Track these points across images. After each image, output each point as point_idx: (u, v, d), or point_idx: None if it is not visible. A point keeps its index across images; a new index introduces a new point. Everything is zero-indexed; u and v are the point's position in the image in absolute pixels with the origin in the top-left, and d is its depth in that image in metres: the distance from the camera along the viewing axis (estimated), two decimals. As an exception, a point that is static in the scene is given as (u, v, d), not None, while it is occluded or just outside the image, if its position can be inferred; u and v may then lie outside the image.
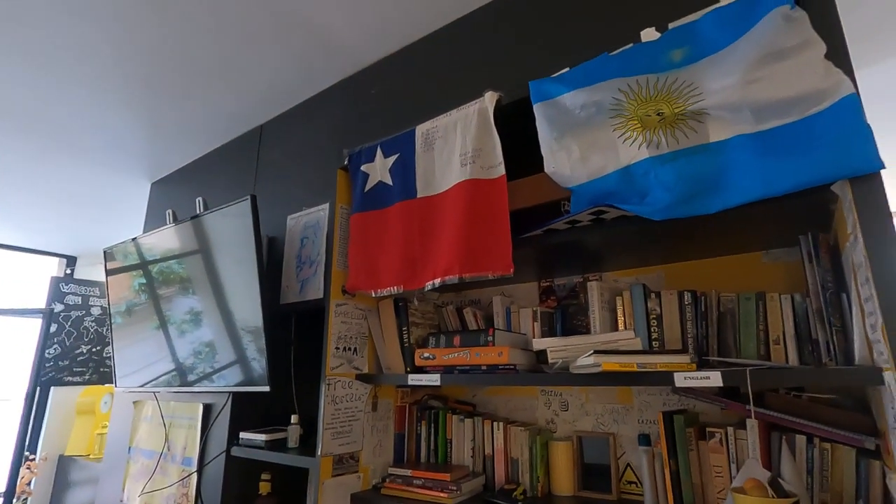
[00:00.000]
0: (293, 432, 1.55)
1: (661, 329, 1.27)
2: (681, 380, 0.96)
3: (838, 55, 0.81)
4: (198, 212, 1.72)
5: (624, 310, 1.35)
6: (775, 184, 0.82)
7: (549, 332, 1.50)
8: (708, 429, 1.20)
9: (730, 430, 1.15)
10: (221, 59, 1.70)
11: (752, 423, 1.11)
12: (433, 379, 1.31)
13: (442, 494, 1.32)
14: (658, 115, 0.95)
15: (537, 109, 1.12)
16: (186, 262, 1.71)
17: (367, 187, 1.48)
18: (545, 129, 1.10)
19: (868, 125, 0.75)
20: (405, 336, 1.51)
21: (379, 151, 1.48)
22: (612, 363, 1.00)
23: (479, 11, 1.48)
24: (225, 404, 1.67)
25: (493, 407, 1.68)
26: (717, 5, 0.93)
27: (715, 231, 1.16)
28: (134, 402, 2.05)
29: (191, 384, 1.68)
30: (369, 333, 1.56)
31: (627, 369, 1.00)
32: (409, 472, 1.43)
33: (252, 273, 1.48)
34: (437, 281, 1.22)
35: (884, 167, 0.74)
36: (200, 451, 1.67)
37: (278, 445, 1.55)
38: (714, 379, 0.93)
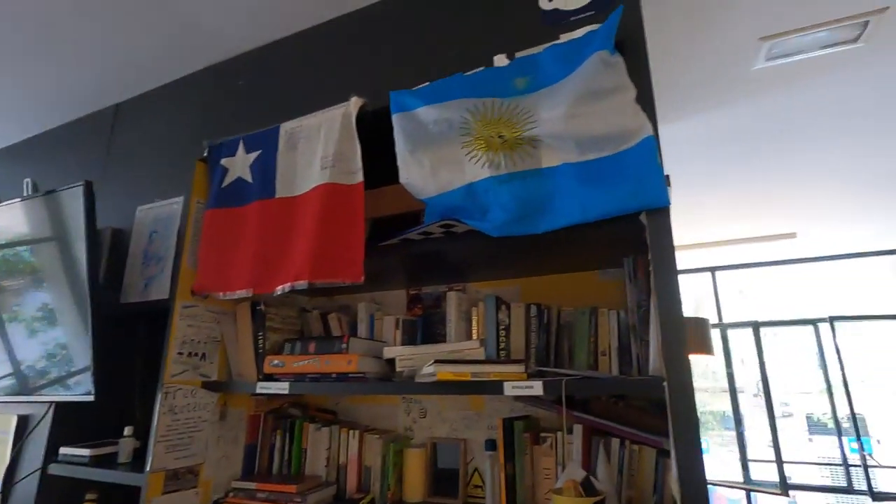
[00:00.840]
0: (125, 446, 1.41)
1: (508, 339, 1.34)
2: (509, 389, 1.02)
3: (645, 100, 0.91)
4: (24, 195, 1.50)
5: (478, 320, 1.40)
6: (590, 211, 0.91)
7: (410, 340, 1.51)
8: (541, 434, 1.28)
9: (559, 434, 1.24)
10: (55, 26, 1.50)
11: (577, 428, 1.21)
12: (282, 387, 1.26)
13: (284, 507, 1.27)
14: (500, 137, 1.00)
15: (395, 120, 1.13)
16: (6, 252, 1.49)
17: (226, 183, 1.40)
18: (401, 140, 1.11)
19: (660, 165, 0.86)
20: (260, 342, 1.44)
21: (241, 146, 1.41)
22: (447, 373, 1.03)
23: (353, 15, 1.46)
24: (44, 415, 1.47)
25: (356, 415, 1.67)
26: (557, 41, 1.01)
27: (561, 250, 1.25)
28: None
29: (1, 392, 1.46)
30: (221, 338, 1.47)
31: (461, 378, 1.04)
32: (253, 486, 1.36)
33: (81, 267, 1.32)
34: (288, 286, 1.17)
35: (669, 203, 0.84)
36: (7, 469, 1.45)
37: (106, 461, 1.40)
38: (537, 388, 0.99)
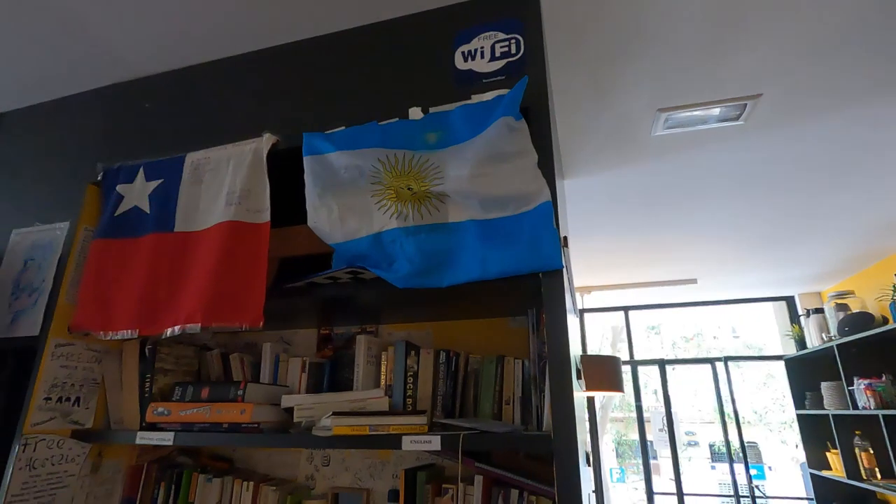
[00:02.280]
0: (-31, 506, 1.21)
1: (416, 386, 1.33)
2: (408, 443, 1.00)
3: (546, 165, 0.96)
4: None
5: (387, 365, 1.38)
6: (490, 268, 0.93)
7: (316, 384, 1.45)
8: (444, 485, 1.26)
9: (461, 485, 1.23)
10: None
11: (477, 479, 1.21)
12: (166, 437, 1.16)
13: (158, 574, 1.14)
14: (409, 189, 1.01)
15: (306, 162, 1.11)
16: None
17: (119, 211, 1.29)
18: (310, 183, 1.09)
19: (556, 229, 0.91)
20: (147, 385, 1.32)
21: (141, 173, 1.31)
22: (343, 427, 0.99)
23: (272, 50, 1.44)
24: None
25: (254, 462, 1.56)
26: (468, 101, 1.05)
27: (471, 299, 1.27)
28: None
29: None
30: (102, 381, 1.33)
31: (359, 433, 1.01)
32: (125, 549, 1.22)
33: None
34: (178, 328, 1.09)
35: (562, 266, 0.88)
36: None
37: (-59, 525, 1.19)
38: (435, 443, 0.98)
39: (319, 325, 1.62)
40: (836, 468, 3.61)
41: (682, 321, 13.74)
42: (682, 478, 4.16)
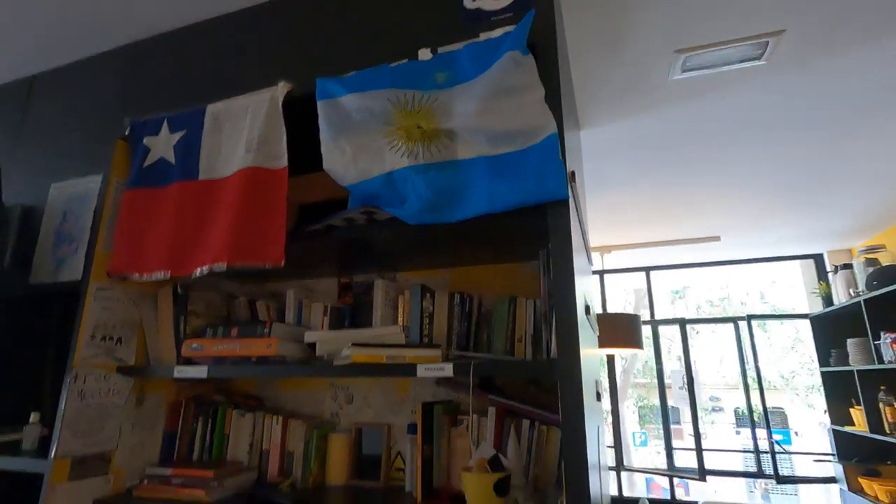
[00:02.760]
0: (31, 433, 1.34)
1: (431, 326, 1.39)
2: (422, 371, 1.06)
3: (553, 99, 0.97)
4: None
5: (404, 308, 1.44)
6: (496, 202, 0.96)
7: (337, 327, 1.53)
8: (459, 416, 1.33)
9: (475, 417, 1.30)
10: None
11: (490, 411, 1.27)
12: (200, 371, 1.25)
13: (199, 492, 1.25)
14: (419, 128, 1.04)
15: (320, 107, 1.14)
16: None
17: (147, 163, 1.36)
18: (324, 127, 1.13)
19: (562, 161, 0.92)
20: (181, 327, 1.41)
21: (165, 125, 1.37)
22: (361, 355, 1.06)
23: (283, 1, 1.46)
24: (-61, 402, 1.38)
25: (282, 402, 1.66)
26: (475, 40, 1.06)
27: (485, 242, 1.31)
28: None
29: None
30: (140, 323, 1.43)
31: (376, 360, 1.07)
32: (168, 472, 1.33)
33: (-17, 245, 1.25)
34: (206, 268, 1.16)
35: (567, 196, 0.91)
36: None
37: (9, 448, 1.33)
38: (448, 370, 1.04)
39: (339, 275, 1.69)
40: (859, 423, 3.60)
41: (707, 285, 13.52)
42: (706, 443, 4.21)
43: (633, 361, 10.65)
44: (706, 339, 14.73)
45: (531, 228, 1.12)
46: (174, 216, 1.26)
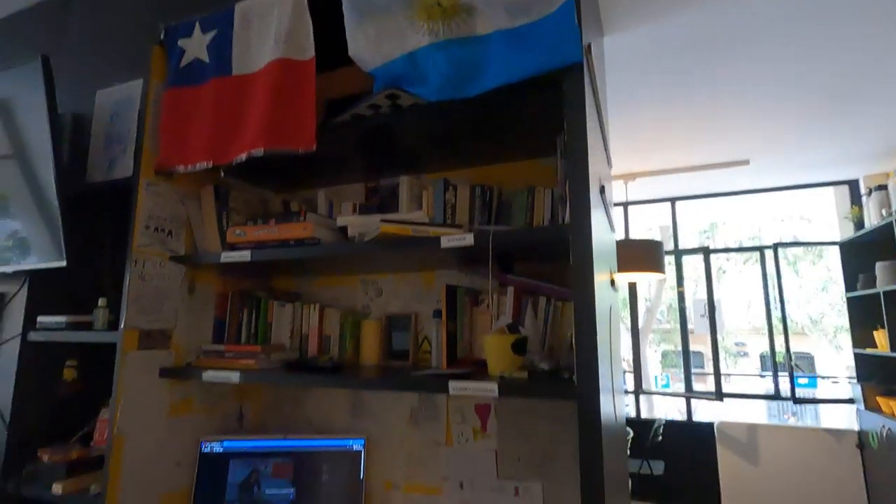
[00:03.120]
0: (100, 315, 1.52)
1: (454, 217, 1.47)
2: (445, 241, 1.15)
3: (569, -32, 0.99)
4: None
5: (427, 202, 1.52)
6: (514, 72, 1.00)
7: (366, 223, 1.63)
8: (480, 296, 1.44)
9: (495, 296, 1.40)
10: None
11: (510, 290, 1.37)
12: (244, 255, 1.37)
13: (249, 361, 1.41)
14: (439, 5, 1.07)
15: (344, -8, 1.18)
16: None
17: (183, 63, 1.43)
18: (348, 12, 1.17)
19: (577, 25, 0.95)
20: (224, 220, 1.54)
21: (197, 27, 1.43)
22: (389, 227, 1.15)
23: None
24: (19, 289, 1.56)
25: (318, 297, 1.80)
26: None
27: (505, 130, 1.36)
28: None
29: (-24, 268, 1.53)
30: (187, 218, 1.56)
31: (403, 233, 1.16)
32: (221, 348, 1.50)
33: (45, 143, 1.36)
34: (244, 155, 1.26)
35: (582, 60, 0.94)
36: (-11, 337, 1.56)
37: (83, 327, 1.51)
38: (468, 239, 1.12)
39: (366, 179, 1.77)
40: (881, 345, 3.62)
41: (735, 224, 13.13)
42: (728, 388, 4.29)
43: (657, 301, 10.68)
44: (733, 281, 14.56)
45: (548, 106, 1.15)
46: (212, 111, 1.35)
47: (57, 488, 1.37)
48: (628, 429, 3.78)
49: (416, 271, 1.66)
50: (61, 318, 1.49)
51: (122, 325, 1.36)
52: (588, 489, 0.87)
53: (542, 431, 1.43)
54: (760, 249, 4.51)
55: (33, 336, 1.52)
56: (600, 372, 0.95)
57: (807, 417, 4.50)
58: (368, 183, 1.78)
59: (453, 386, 1.10)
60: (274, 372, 1.38)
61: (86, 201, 1.55)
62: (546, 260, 1.41)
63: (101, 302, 1.53)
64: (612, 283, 1.47)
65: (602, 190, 1.23)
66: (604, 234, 1.32)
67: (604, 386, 0.99)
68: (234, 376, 1.34)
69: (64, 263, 1.40)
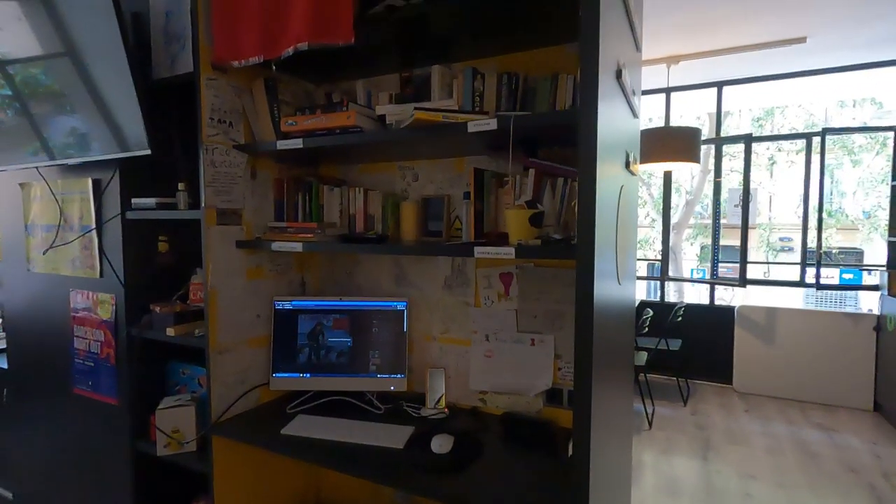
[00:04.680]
0: (181, 198, 1.79)
1: (482, 103, 1.59)
2: (472, 126, 1.29)
3: None
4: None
5: (457, 91, 1.63)
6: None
7: (401, 112, 1.77)
8: (504, 178, 1.61)
9: (517, 177, 1.57)
10: None
11: (531, 172, 1.53)
12: (297, 142, 1.57)
13: (308, 235, 1.68)
14: None
15: None
16: (42, 44, 1.69)
17: (226, -43, 1.52)
18: None
19: None
20: (276, 112, 1.71)
21: (234, -82, 1.49)
22: (422, 114, 1.30)
23: None
24: (112, 177, 1.84)
25: (361, 182, 2.02)
26: None
27: (534, 24, 1.42)
28: (20, 185, 2.14)
29: (70, 157, 1.81)
30: (243, 111, 1.74)
31: (434, 119, 1.31)
32: (284, 225, 1.77)
33: (116, 44, 1.53)
34: (291, 49, 1.39)
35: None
36: (96, 216, 1.88)
37: (169, 207, 1.80)
38: (492, 124, 1.27)
39: (400, 70, 1.87)
40: (916, 234, 3.61)
41: (794, 112, 12.14)
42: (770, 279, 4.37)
43: (698, 194, 10.45)
44: (784, 173, 13.87)
45: None
46: (258, 5, 1.46)
47: (170, 332, 1.76)
48: (648, 309, 4.06)
49: (448, 157, 1.83)
50: (151, 200, 1.77)
51: (203, 205, 1.63)
52: (579, 335, 1.10)
53: (554, 295, 1.67)
54: (808, 136, 4.32)
55: (130, 215, 1.83)
56: (602, 245, 1.13)
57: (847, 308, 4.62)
58: (403, 73, 1.88)
59: (478, 251, 1.32)
60: (329, 242, 1.64)
61: (155, 96, 1.75)
62: (566, 144, 1.54)
63: (181, 186, 1.79)
64: (629, 167, 1.59)
65: (619, 74, 1.31)
66: (620, 119, 1.42)
67: (604, 255, 1.18)
68: (298, 246, 1.62)
69: (149, 152, 1.64)
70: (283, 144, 1.60)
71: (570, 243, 1.24)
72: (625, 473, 1.80)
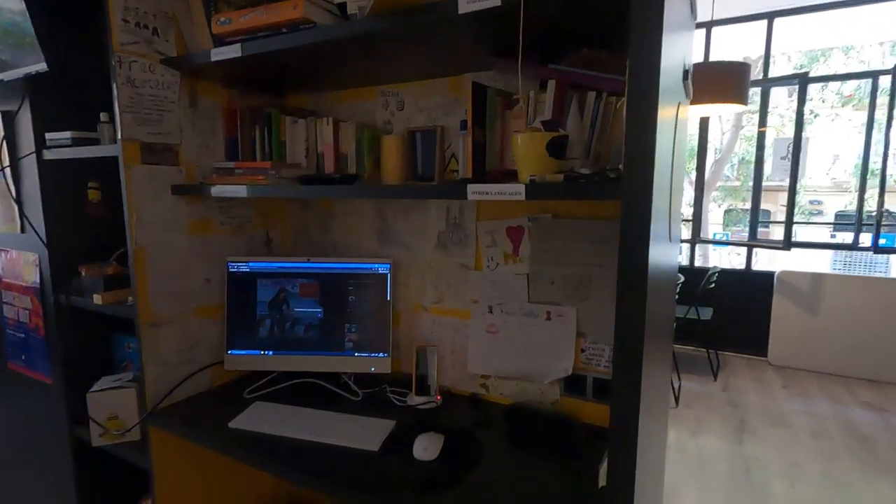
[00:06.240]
0: (104, 131, 1.41)
1: (483, -8, 1.15)
2: (464, 5, 0.88)
3: None
4: None
5: (451, -25, 1.19)
6: None
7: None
8: (514, 96, 1.19)
9: (532, 93, 1.14)
10: None
11: (550, 84, 1.10)
12: (233, 50, 1.17)
13: (259, 178, 1.30)
14: None
15: None
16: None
17: None
18: None
19: None
20: (212, 13, 1.30)
21: None
22: (390, -15, 0.88)
23: None
24: (20, 107, 1.47)
25: (334, 112, 1.62)
26: None
27: None
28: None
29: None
30: (174, 16, 1.33)
31: (406, 2, 0.90)
32: (231, 165, 1.38)
33: None
34: None
35: None
36: (10, 157, 1.53)
37: (89, 142, 1.43)
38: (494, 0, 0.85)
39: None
40: None
41: (856, 51, 10.92)
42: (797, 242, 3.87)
43: (727, 153, 9.75)
44: (822, 131, 12.91)
45: None
46: None
47: (97, 299, 1.42)
48: (679, 274, 3.64)
49: (442, 77, 1.41)
50: (66, 134, 1.40)
51: (118, 136, 1.25)
52: (625, 312, 0.72)
53: (578, 255, 1.27)
54: (874, 75, 3.72)
55: (47, 155, 1.47)
56: (657, 185, 0.73)
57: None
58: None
59: (473, 189, 0.93)
60: (283, 185, 1.26)
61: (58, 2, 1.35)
62: (600, 43, 1.10)
63: (104, 116, 1.41)
64: (686, 76, 1.15)
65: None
66: (680, 15, 0.98)
67: (658, 200, 0.77)
68: (242, 190, 1.24)
69: (45, 66, 1.25)
70: (217, 54, 1.20)
71: (609, 178, 0.84)
72: (659, 472, 1.44)
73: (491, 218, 1.39)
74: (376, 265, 1.49)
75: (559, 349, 1.31)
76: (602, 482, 0.87)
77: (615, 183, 0.78)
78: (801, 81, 3.68)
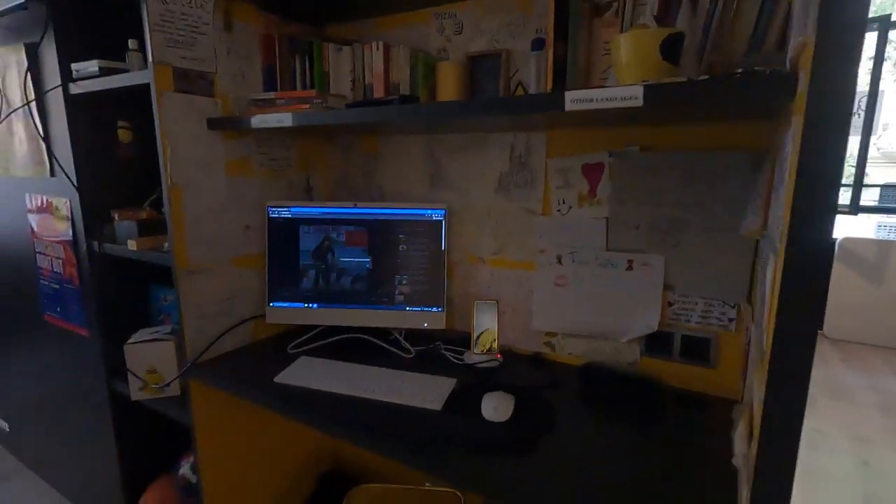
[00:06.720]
0: (133, 59, 1.28)
1: None
2: None
3: None
4: None
5: None
6: None
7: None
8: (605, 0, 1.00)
9: (629, -6, 0.95)
10: None
11: (656, -23, 0.91)
12: (276, -50, 1.00)
13: (304, 106, 1.15)
14: None
15: None
16: None
17: None
18: None
19: None
20: (249, -84, 1.13)
21: None
22: None
23: None
24: (44, 36, 1.35)
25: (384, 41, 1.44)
26: None
27: None
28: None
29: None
30: (204, -80, 1.17)
31: None
32: (272, 95, 1.24)
33: None
34: None
35: None
36: (35, 91, 1.41)
37: (117, 72, 1.30)
38: None
39: None
40: None
41: None
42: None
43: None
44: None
45: None
46: None
47: (132, 245, 1.32)
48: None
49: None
50: (93, 63, 1.27)
51: (149, 58, 1.12)
52: (795, 266, 0.55)
53: (669, 194, 1.10)
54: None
55: (74, 89, 1.35)
56: None
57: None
58: None
59: (571, 98, 0.76)
60: (333, 113, 1.10)
61: None
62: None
63: (133, 44, 1.28)
64: None
65: None
66: None
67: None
68: (287, 118, 1.10)
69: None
70: (256, -42, 1.04)
71: (782, 73, 0.64)
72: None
73: (564, 155, 1.22)
74: (430, 211, 1.35)
75: (642, 303, 1.15)
76: (736, 457, 0.73)
77: (787, 80, 0.59)
78: (881, 25, 3.29)
